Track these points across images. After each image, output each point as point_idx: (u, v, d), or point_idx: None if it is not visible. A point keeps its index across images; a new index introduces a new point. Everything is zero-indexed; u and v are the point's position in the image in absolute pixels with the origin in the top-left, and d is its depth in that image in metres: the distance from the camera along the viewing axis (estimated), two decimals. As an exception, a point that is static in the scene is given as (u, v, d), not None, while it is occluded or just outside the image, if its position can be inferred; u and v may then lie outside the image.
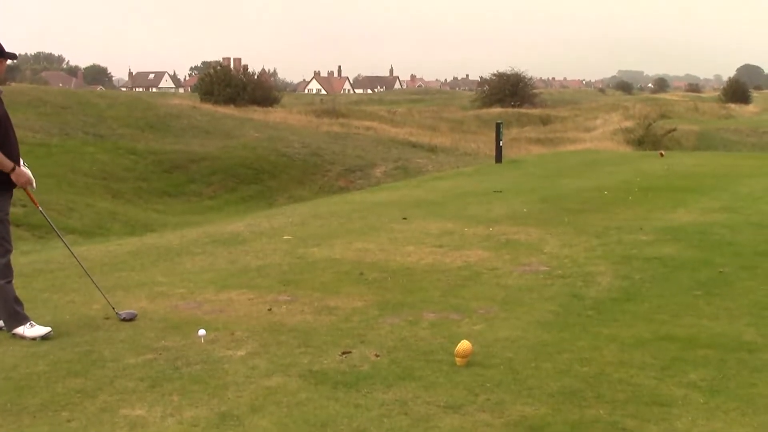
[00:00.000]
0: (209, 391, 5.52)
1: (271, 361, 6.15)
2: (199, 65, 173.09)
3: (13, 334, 6.87)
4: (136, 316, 7.42)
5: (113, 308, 7.51)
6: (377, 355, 6.26)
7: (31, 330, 6.83)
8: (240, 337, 6.79)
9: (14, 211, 7.17)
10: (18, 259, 7.26)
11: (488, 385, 5.61)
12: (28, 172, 7.00)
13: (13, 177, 6.84)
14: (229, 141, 35.90)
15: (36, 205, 7.48)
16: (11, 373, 5.94)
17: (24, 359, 6.26)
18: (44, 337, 6.78)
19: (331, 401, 5.31)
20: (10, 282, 6.92)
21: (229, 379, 5.78)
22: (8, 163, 6.81)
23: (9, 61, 7.12)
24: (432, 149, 37.79)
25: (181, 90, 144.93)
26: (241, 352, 6.38)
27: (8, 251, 6.94)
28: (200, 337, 6.66)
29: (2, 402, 5.35)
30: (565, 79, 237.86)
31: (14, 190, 7.05)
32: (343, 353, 6.33)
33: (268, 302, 7.99)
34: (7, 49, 6.99)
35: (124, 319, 7.32)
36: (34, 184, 7.06)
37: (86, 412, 5.19)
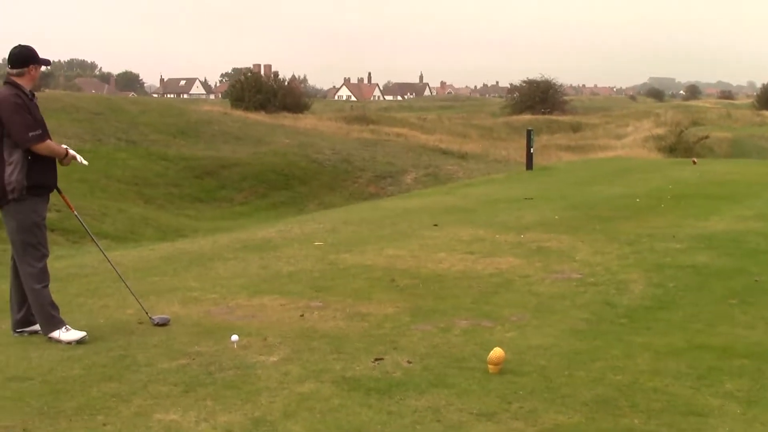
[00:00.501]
0: (242, 397, 5.54)
1: (304, 367, 6.16)
2: (229, 72, 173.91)
3: (49, 337, 6.93)
4: (169, 321, 7.46)
5: (147, 313, 7.56)
6: (409, 362, 6.26)
7: (66, 334, 6.89)
8: (272, 343, 6.81)
9: (49, 216, 7.23)
10: (53, 264, 7.32)
11: (521, 392, 5.59)
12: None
13: (66, 160, 7.10)
14: (259, 147, 36.04)
15: (71, 209, 7.55)
16: (48, 377, 5.99)
17: (60, 363, 6.31)
18: (79, 341, 6.84)
19: (363, 408, 5.31)
20: (46, 286, 6.99)
21: (262, 384, 5.79)
22: (62, 149, 7.05)
23: (43, 68, 7.20)
24: (462, 156, 37.74)
25: (212, 96, 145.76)
26: (273, 358, 6.40)
27: (44, 256, 7.01)
28: (233, 342, 6.68)
29: (39, 405, 5.40)
30: (595, 86, 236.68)
31: (50, 195, 7.15)
32: (376, 360, 6.33)
33: (300, 308, 8.01)
34: (41, 56, 7.08)
35: (157, 324, 7.36)
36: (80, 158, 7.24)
37: (121, 416, 5.22)
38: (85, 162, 7.37)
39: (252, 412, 5.26)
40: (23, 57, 6.94)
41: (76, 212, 7.71)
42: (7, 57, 7.02)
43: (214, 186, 31.45)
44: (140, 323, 7.48)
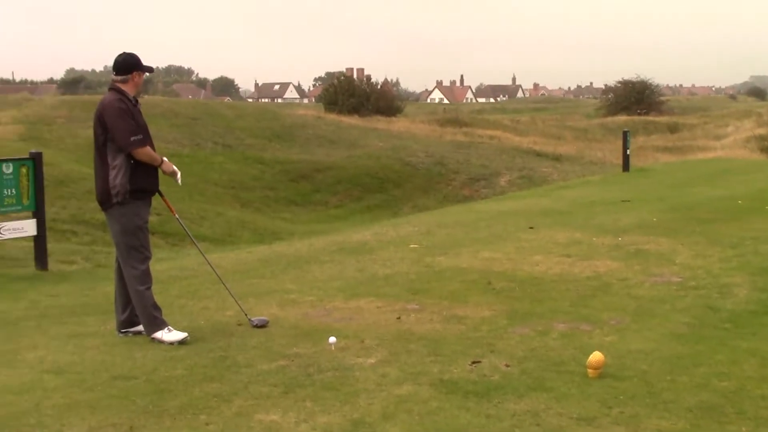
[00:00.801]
0: (341, 398, 5.57)
1: (402, 370, 6.17)
2: (322, 76, 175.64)
3: (152, 338, 7.09)
4: (267, 322, 7.56)
5: (246, 315, 7.67)
6: (507, 365, 6.22)
7: (169, 335, 7.04)
8: (370, 345, 6.84)
9: (149, 219, 7.39)
10: (154, 266, 7.48)
11: (622, 397, 5.50)
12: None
13: (163, 167, 7.24)
14: (353, 150, 36.27)
15: (173, 212, 7.70)
16: (152, 376, 6.13)
17: (163, 363, 6.45)
18: (181, 342, 6.98)
19: (462, 411, 5.30)
20: (149, 288, 7.15)
21: (360, 386, 5.82)
22: (158, 157, 7.19)
23: (146, 74, 7.37)
24: (557, 158, 37.37)
25: (306, 100, 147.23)
26: (371, 360, 6.42)
27: (147, 258, 7.18)
28: (331, 344, 6.73)
29: (144, 403, 5.53)
30: (693, 85, 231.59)
31: (152, 199, 7.31)
32: (473, 363, 6.30)
33: (397, 311, 8.03)
34: (143, 63, 7.26)
35: (256, 326, 7.46)
36: (179, 177, 7.39)
37: (223, 415, 5.30)
38: (179, 181, 7.51)
39: (351, 413, 5.29)
40: (127, 64, 7.12)
41: (177, 215, 7.86)
42: (112, 64, 7.20)
43: (309, 189, 31.77)
44: (239, 325, 7.59)
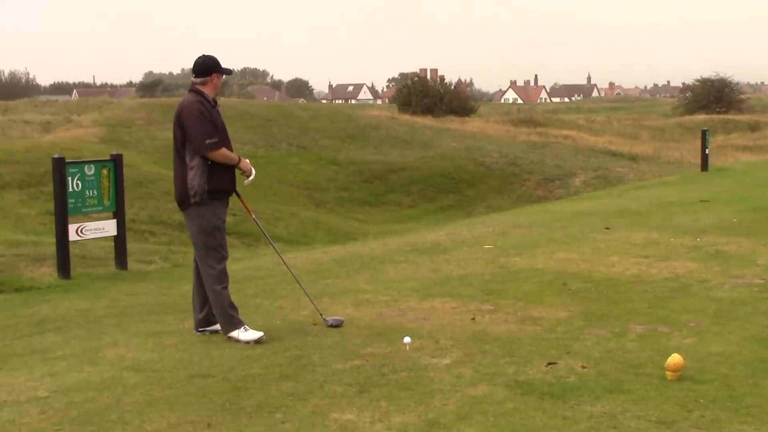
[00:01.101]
0: (416, 398, 5.57)
1: (476, 370, 6.14)
2: (396, 77, 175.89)
3: (229, 337, 7.18)
4: (342, 322, 7.59)
5: (321, 314, 7.72)
6: (584, 367, 6.15)
7: (245, 334, 7.11)
8: (444, 346, 6.83)
9: (226, 219, 7.48)
10: (230, 266, 7.57)
11: (702, 401, 5.40)
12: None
13: (241, 165, 7.32)
14: (427, 151, 36.25)
15: (250, 212, 7.79)
16: (228, 375, 6.20)
17: (240, 362, 6.53)
18: (257, 341, 7.05)
19: (538, 412, 5.26)
20: (225, 288, 7.24)
21: (435, 386, 5.81)
22: (235, 156, 7.26)
23: (224, 76, 7.46)
24: (633, 158, 36.81)
25: (379, 101, 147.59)
26: (446, 361, 6.41)
27: (224, 258, 7.27)
28: (405, 344, 6.73)
29: (222, 401, 5.60)
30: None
31: (229, 199, 7.40)
32: (549, 364, 6.25)
33: (472, 311, 8.00)
34: (222, 65, 7.34)
35: (331, 326, 7.50)
36: (250, 179, 7.43)
37: (299, 414, 5.34)
38: (246, 182, 7.53)
39: (426, 413, 5.29)
40: (206, 66, 7.22)
41: (254, 215, 7.95)
42: (192, 66, 7.31)
43: (383, 190, 31.85)
44: (314, 324, 7.64)
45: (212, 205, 7.18)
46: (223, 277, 7.24)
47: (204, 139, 7.03)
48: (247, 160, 7.43)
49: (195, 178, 7.09)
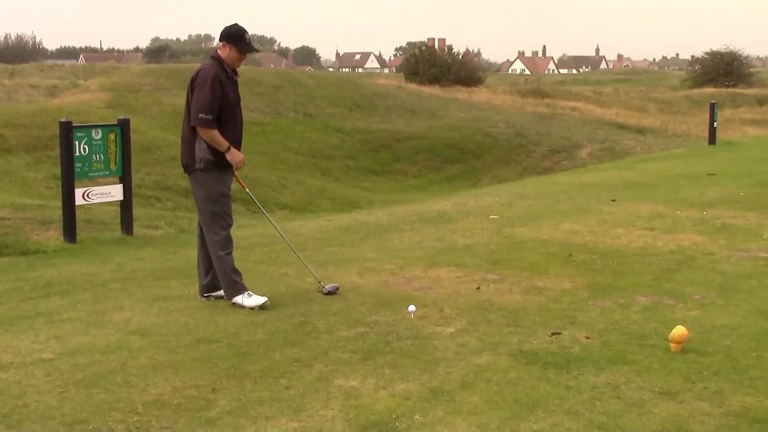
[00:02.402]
0: (420, 366, 5.59)
1: (481, 339, 6.16)
2: (403, 46, 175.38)
3: (233, 303, 7.19)
4: (337, 288, 7.62)
5: (320, 282, 7.72)
6: (588, 338, 6.16)
7: (249, 299, 7.13)
8: (449, 314, 6.84)
9: (231, 186, 7.46)
10: (235, 233, 7.56)
11: (705, 373, 5.41)
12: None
13: (228, 156, 7.15)
14: (434, 121, 36.15)
15: (243, 187, 7.71)
16: (233, 340, 6.22)
17: (244, 327, 6.55)
18: (261, 307, 7.06)
19: (541, 381, 5.27)
20: (229, 253, 7.24)
21: (439, 355, 5.83)
22: (224, 143, 7.11)
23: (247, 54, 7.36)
24: (640, 130, 36.68)
25: (386, 70, 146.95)
26: (450, 329, 6.43)
27: (228, 225, 7.27)
28: (410, 312, 6.74)
29: (226, 366, 5.62)
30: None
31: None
32: (553, 334, 6.26)
33: (476, 281, 8.01)
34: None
35: (328, 293, 7.50)
36: (240, 166, 7.29)
37: (303, 380, 5.36)
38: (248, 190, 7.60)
39: (429, 381, 5.31)
40: (222, 33, 7.16)
41: (248, 189, 7.87)
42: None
43: (389, 159, 31.80)
44: (320, 291, 7.66)
45: (218, 172, 7.16)
46: (227, 243, 7.24)
47: (199, 112, 6.96)
48: (239, 153, 7.23)
49: (202, 147, 7.07)
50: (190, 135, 7.13)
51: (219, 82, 7.02)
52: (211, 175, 7.14)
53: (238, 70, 7.29)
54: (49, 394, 5.16)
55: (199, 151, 7.08)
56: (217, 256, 7.23)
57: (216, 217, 7.21)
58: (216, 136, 7.05)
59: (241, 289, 7.23)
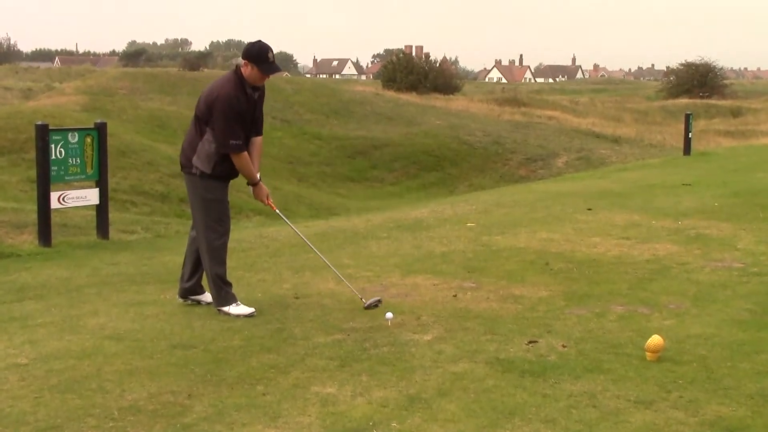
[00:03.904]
0: (397, 374, 5.59)
1: (458, 347, 6.16)
2: (381, 53, 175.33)
3: (219, 310, 7.11)
4: (380, 302, 7.25)
5: (361, 298, 7.31)
6: (564, 346, 6.18)
7: (236, 308, 7.05)
8: (426, 322, 6.84)
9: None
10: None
11: (681, 382, 5.44)
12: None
13: (255, 190, 7.17)
14: (411, 128, 36.21)
15: (273, 208, 7.46)
16: (210, 346, 6.20)
17: (221, 333, 6.52)
18: (248, 316, 6.98)
19: (518, 389, 5.28)
20: (219, 263, 7.10)
21: (416, 362, 5.83)
22: (255, 176, 7.10)
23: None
24: (615, 140, 36.92)
25: (364, 77, 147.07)
26: (427, 337, 6.43)
27: (221, 233, 7.13)
28: (387, 320, 6.73)
29: (203, 372, 5.60)
30: (758, 69, 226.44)
31: None
32: (530, 342, 6.28)
33: (453, 288, 8.02)
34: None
35: (369, 307, 7.15)
36: (260, 198, 7.25)
37: (279, 387, 5.35)
38: (278, 211, 7.46)
39: (407, 389, 5.30)
40: (245, 50, 6.96)
41: (278, 210, 7.61)
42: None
43: (366, 166, 31.82)
44: (296, 298, 7.64)
45: (214, 180, 7.07)
46: (218, 252, 7.11)
47: (228, 138, 6.86)
48: (265, 189, 7.19)
49: (201, 157, 7.00)
50: (194, 140, 7.05)
51: (237, 107, 6.87)
52: (206, 182, 7.07)
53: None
54: (24, 399, 5.12)
55: (197, 160, 7.03)
56: (207, 261, 7.14)
57: (210, 222, 7.10)
58: (248, 164, 7.00)
59: (231, 300, 7.14)
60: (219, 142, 6.88)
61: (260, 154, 7.33)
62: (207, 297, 7.39)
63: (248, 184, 7.18)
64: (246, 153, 7.00)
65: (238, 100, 6.87)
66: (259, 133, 7.26)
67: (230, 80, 6.93)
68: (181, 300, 7.43)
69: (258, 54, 6.90)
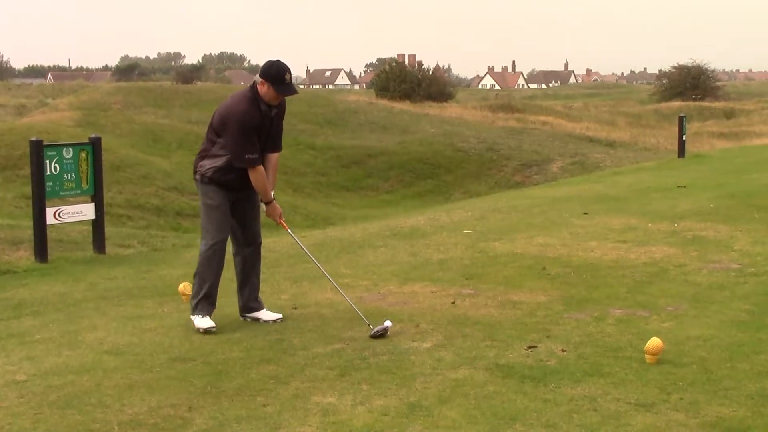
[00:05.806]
0: (397, 382, 5.58)
1: (457, 354, 6.16)
2: (374, 62, 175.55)
3: (191, 317, 7.08)
4: (387, 330, 6.76)
5: (369, 324, 6.87)
6: (564, 351, 6.18)
7: (201, 321, 6.97)
8: (425, 329, 6.84)
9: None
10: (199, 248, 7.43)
11: (681, 384, 5.44)
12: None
13: (268, 209, 7.17)
14: (405, 136, 36.25)
15: (285, 228, 7.49)
16: (209, 358, 6.19)
17: (220, 345, 6.51)
18: (206, 331, 6.87)
19: (519, 395, 5.28)
20: (208, 271, 7.08)
21: (416, 370, 5.83)
22: (269, 195, 7.11)
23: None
24: (610, 144, 37.00)
25: (357, 86, 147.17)
26: (426, 344, 6.43)
27: (216, 241, 7.05)
28: (386, 328, 6.72)
29: (203, 385, 5.59)
30: (750, 71, 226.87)
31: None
32: (529, 347, 6.28)
33: (452, 295, 8.02)
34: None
35: (375, 336, 6.68)
36: (271, 213, 7.23)
37: (280, 397, 5.34)
38: (290, 231, 7.49)
39: (407, 396, 5.30)
40: (262, 69, 6.99)
41: (290, 230, 7.56)
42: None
43: (361, 175, 31.84)
44: (294, 308, 7.64)
45: (216, 186, 7.05)
46: (210, 260, 7.03)
47: (244, 153, 6.86)
48: (278, 208, 7.20)
49: (205, 164, 7.03)
50: (205, 148, 7.09)
51: (248, 123, 6.88)
52: (205, 187, 7.08)
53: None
54: (23, 416, 5.11)
55: (201, 167, 7.07)
56: (199, 266, 7.09)
57: (206, 227, 7.12)
58: (263, 180, 7.00)
59: (201, 310, 7.02)
60: (234, 156, 6.88)
61: (276, 170, 7.32)
62: (265, 314, 7.27)
63: (261, 201, 7.19)
64: (261, 168, 6.99)
65: (251, 116, 6.90)
66: (276, 149, 7.28)
67: (245, 96, 7.00)
68: (242, 319, 7.33)
69: (276, 75, 6.92)
